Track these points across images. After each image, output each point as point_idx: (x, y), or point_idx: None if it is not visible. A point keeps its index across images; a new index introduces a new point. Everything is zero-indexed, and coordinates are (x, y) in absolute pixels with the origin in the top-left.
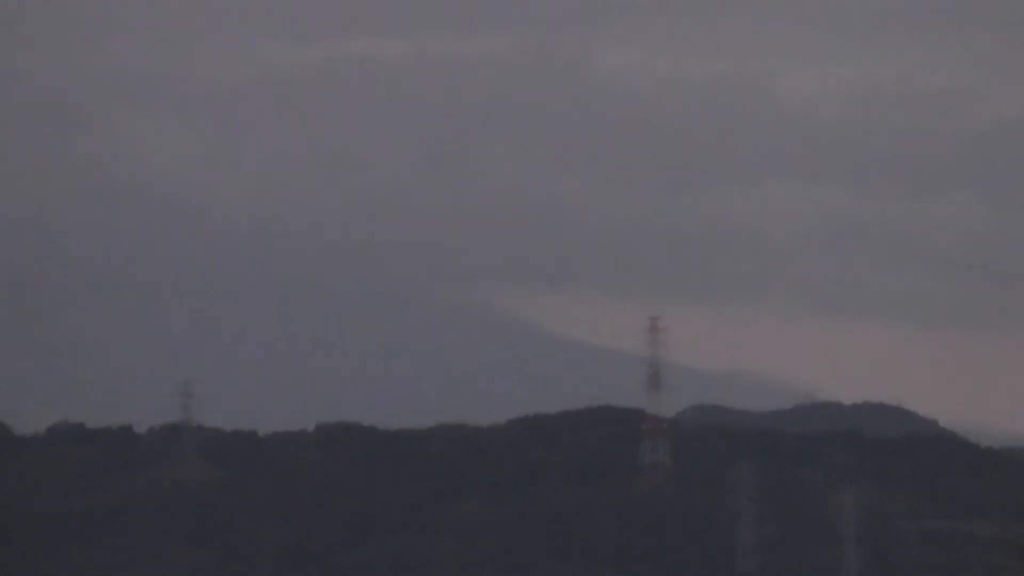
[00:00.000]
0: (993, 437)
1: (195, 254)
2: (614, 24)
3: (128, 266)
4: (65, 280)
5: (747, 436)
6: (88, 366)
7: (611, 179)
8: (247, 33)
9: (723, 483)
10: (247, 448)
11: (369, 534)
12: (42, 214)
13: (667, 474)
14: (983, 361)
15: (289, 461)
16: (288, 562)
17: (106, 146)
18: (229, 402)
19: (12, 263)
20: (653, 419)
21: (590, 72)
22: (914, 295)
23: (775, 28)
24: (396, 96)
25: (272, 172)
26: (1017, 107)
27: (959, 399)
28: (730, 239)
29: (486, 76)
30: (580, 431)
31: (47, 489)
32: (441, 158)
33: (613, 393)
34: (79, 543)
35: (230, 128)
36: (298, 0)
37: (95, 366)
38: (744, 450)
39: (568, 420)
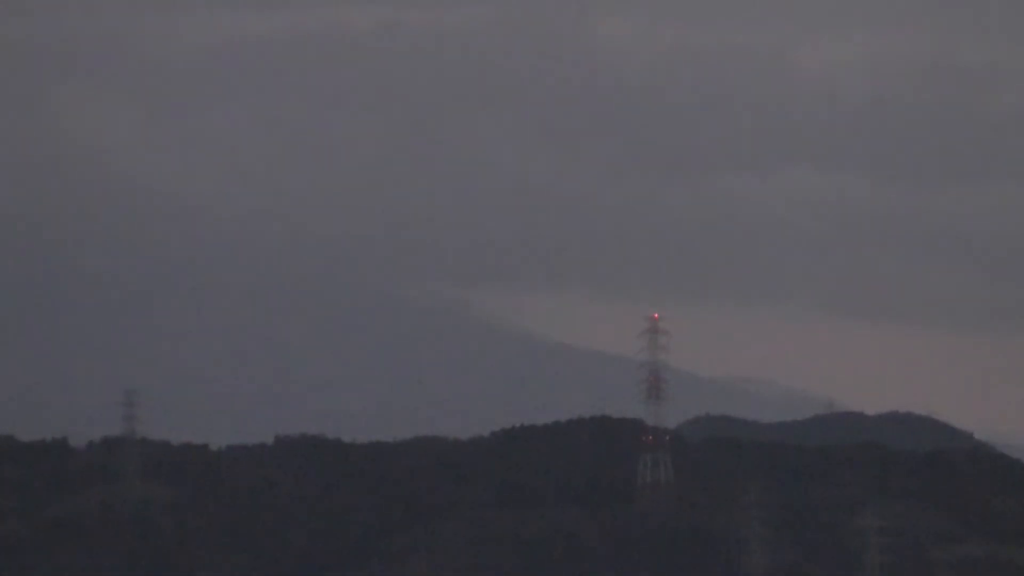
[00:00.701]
0: None
1: (141, 248)
2: None
3: (62, 259)
4: None
5: (759, 450)
6: (18, 373)
7: (607, 164)
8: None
9: (732, 504)
10: (198, 464)
11: (335, 560)
12: None
13: (669, 493)
14: None
15: (246, 478)
16: None
17: (45, 125)
18: (178, 413)
19: None
20: (653, 431)
21: (583, 44)
22: (947, 294)
23: None
24: (368, 71)
25: (229, 157)
26: None
27: (997, 409)
28: (739, 232)
29: (468, 48)
30: (571, 445)
31: None
32: (416, 140)
33: (608, 402)
34: (8, 571)
35: (185, 105)
36: None
37: (26, 373)
38: (755, 466)
39: (558, 432)
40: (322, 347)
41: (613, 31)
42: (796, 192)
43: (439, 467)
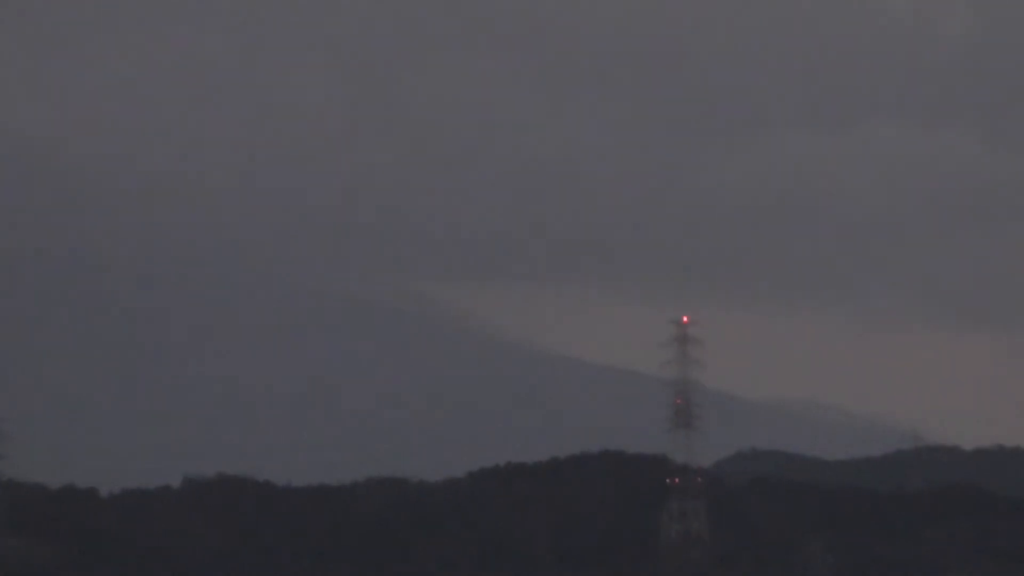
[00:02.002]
0: None
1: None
2: None
3: None
4: None
5: (821, 496)
6: None
7: (622, 123)
8: None
9: (786, 563)
10: (83, 513)
11: None
12: None
13: (703, 552)
14: None
15: (143, 529)
16: None
17: None
18: (55, 451)
19: None
20: (682, 471)
21: None
22: None
23: None
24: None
25: (135, 110)
26: None
27: None
28: (796, 210)
29: None
30: (575, 489)
31: None
32: (376, 90)
33: (623, 433)
34: None
35: (78, 46)
36: None
37: None
38: (816, 517)
39: (557, 473)
40: (247, 362)
41: None
42: (877, 157)
43: (401, 517)
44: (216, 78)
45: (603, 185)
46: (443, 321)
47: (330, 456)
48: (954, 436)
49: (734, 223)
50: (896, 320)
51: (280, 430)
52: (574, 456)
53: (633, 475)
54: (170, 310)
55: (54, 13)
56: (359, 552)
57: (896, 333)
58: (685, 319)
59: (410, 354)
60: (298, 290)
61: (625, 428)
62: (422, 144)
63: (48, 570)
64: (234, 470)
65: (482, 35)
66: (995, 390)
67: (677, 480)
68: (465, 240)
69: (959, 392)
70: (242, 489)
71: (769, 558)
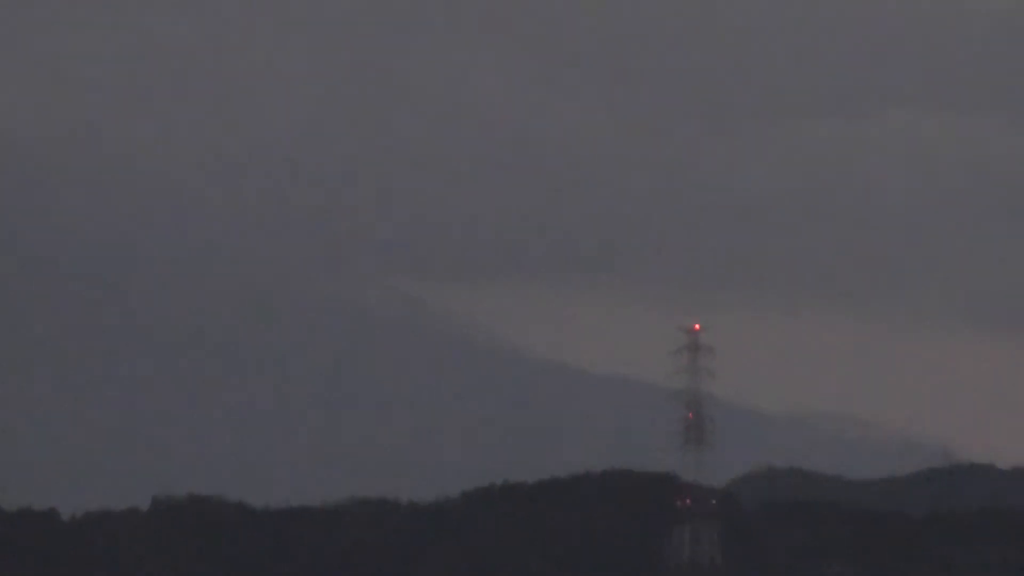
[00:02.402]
0: None
1: None
2: None
3: None
4: None
5: (844, 519)
6: None
7: (629, 113)
8: None
9: None
10: (39, 536)
11: None
12: None
13: None
14: None
15: (108, 555)
16: None
17: None
18: (6, 469)
19: None
20: (693, 492)
21: None
22: None
23: None
24: None
25: (88, 91)
26: None
27: None
28: (818, 203)
29: None
30: (577, 511)
31: None
32: (363, 71)
33: (629, 450)
34: None
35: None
36: None
37: None
38: (840, 541)
39: (558, 493)
40: (220, 372)
41: None
42: (904, 144)
43: (388, 542)
44: (190, 65)
45: (606, 180)
46: (432, 327)
47: (311, 475)
48: (989, 454)
49: (748, 220)
50: (927, 326)
51: (257, 447)
52: (576, 475)
53: (640, 496)
54: (136, 314)
55: None
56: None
57: (927, 340)
58: (696, 325)
59: (397, 363)
60: (275, 294)
61: (631, 445)
62: (413, 137)
63: None
64: (207, 490)
65: (478, 22)
66: None
67: (688, 502)
68: (456, 239)
69: (995, 406)
70: (216, 511)
71: None
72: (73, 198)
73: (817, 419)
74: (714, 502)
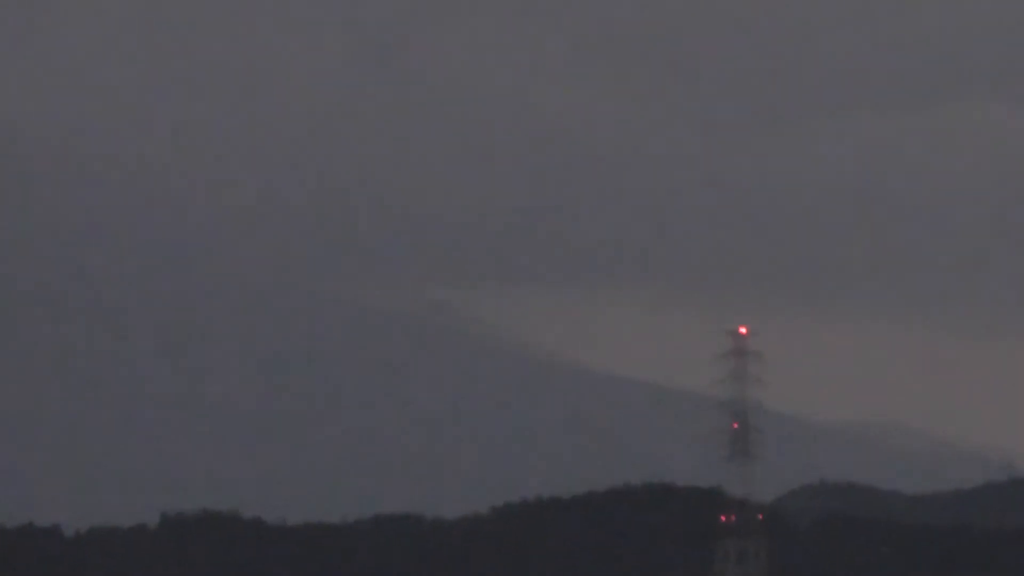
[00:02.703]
0: None
1: None
2: None
3: None
4: None
5: (899, 535)
6: None
7: (671, 105)
8: None
9: None
10: (42, 554)
11: None
12: None
13: None
14: None
15: (114, 573)
16: None
17: None
18: (13, 486)
19: None
20: (739, 507)
21: None
22: None
23: None
24: None
25: (88, 88)
26: None
27: None
28: (871, 200)
29: None
30: (615, 526)
31: None
32: (383, 64)
33: (669, 462)
34: None
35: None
36: None
37: None
38: (895, 559)
39: (593, 509)
40: (235, 381)
41: None
42: (972, 140)
43: (413, 561)
44: (199, 53)
45: (647, 176)
46: (460, 332)
47: (330, 489)
48: None
49: (800, 218)
50: (990, 331)
51: (273, 459)
52: (614, 489)
53: (682, 512)
54: (143, 318)
55: None
56: None
57: (989, 347)
58: (743, 329)
59: (424, 371)
60: (292, 297)
61: (673, 457)
62: (435, 131)
63: None
64: (219, 506)
65: (497, 5)
66: None
67: (733, 518)
68: (486, 241)
69: None
70: (228, 528)
71: None
72: (72, 197)
73: (871, 430)
74: (761, 518)
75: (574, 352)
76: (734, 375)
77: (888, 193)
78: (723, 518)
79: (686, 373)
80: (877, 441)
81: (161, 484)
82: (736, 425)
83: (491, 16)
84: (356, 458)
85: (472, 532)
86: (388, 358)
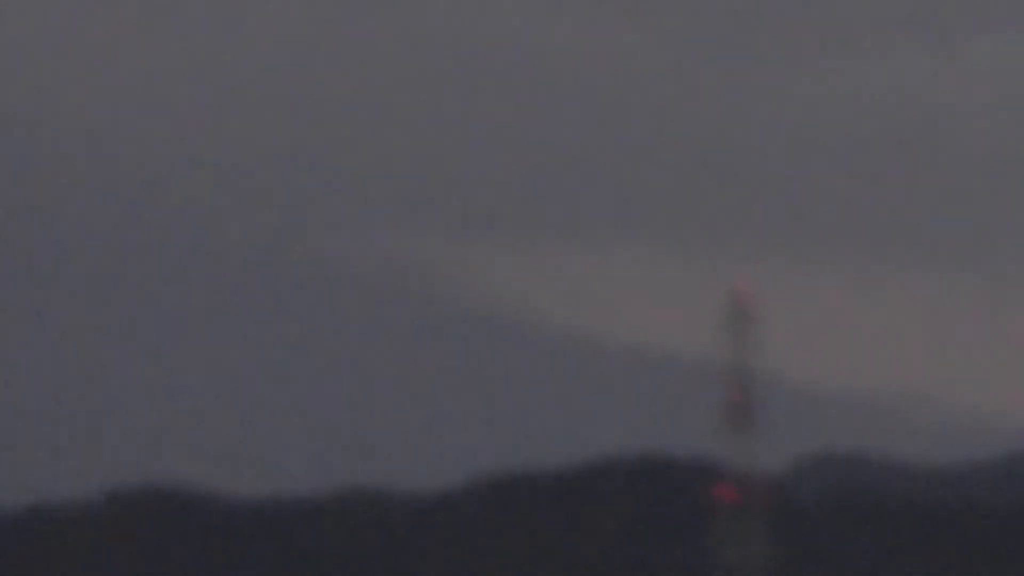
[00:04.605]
0: None
1: None
2: None
3: None
4: None
5: (916, 512)
6: None
7: (667, 41)
8: None
9: None
10: None
11: None
12: None
13: None
14: None
15: (54, 555)
16: None
17: None
18: None
19: None
20: (739, 482)
21: None
22: None
23: None
24: None
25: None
26: None
27: None
28: (881, 150)
29: None
30: (599, 504)
31: None
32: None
33: (660, 432)
34: None
35: None
36: None
37: None
38: (911, 539)
39: (577, 483)
40: (183, 344)
41: None
42: (995, 79)
43: (381, 539)
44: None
45: (638, 114)
46: (435, 291)
47: (291, 461)
48: None
49: (803, 168)
50: (1013, 292)
51: (227, 429)
52: (602, 463)
53: (676, 487)
54: (93, 281)
55: None
56: None
57: (1011, 308)
58: (742, 287)
59: (392, 333)
60: (252, 252)
61: (667, 427)
62: (426, 72)
63: None
64: (171, 480)
65: None
66: None
67: (733, 493)
68: (464, 194)
69: None
70: (179, 504)
71: None
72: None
73: (885, 398)
74: (765, 493)
75: (558, 313)
76: (734, 339)
77: (904, 140)
78: (722, 494)
79: (681, 336)
80: (890, 409)
81: (106, 456)
82: (736, 393)
83: None
84: (321, 428)
85: (446, 508)
86: (355, 319)
